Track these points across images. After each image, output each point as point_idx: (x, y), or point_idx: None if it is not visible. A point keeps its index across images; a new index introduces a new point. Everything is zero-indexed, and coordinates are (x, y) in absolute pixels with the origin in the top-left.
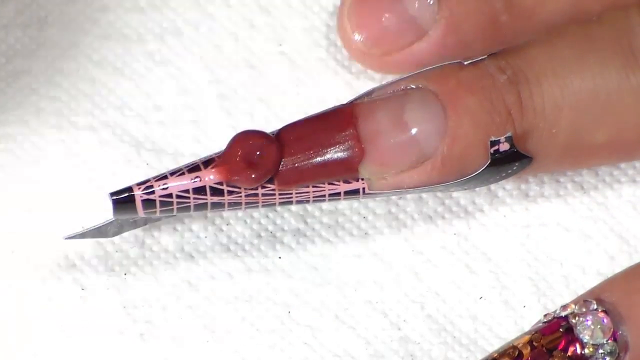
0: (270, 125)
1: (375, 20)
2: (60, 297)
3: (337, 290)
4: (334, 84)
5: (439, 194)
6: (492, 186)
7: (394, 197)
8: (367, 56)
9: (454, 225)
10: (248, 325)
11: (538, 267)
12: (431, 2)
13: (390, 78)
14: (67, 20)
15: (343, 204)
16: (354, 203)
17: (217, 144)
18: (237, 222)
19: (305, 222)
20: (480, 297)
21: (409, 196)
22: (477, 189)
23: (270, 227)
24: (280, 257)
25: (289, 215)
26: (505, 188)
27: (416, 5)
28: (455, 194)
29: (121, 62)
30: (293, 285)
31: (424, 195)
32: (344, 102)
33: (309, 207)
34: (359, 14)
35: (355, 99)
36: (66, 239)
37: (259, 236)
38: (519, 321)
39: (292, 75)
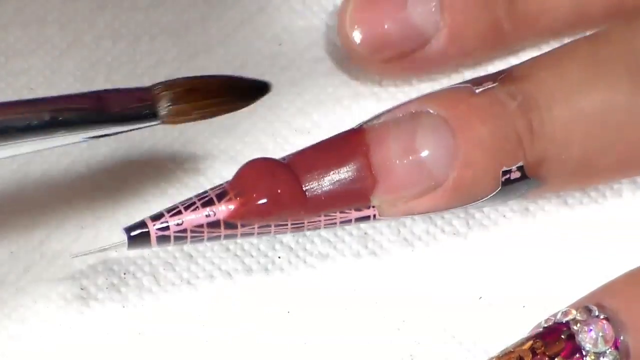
0: (270, 125)
1: (377, 27)
2: (59, 296)
3: (336, 290)
4: (334, 84)
5: None
6: None
7: None
8: (368, 62)
9: (453, 225)
10: (247, 324)
11: (538, 267)
12: (434, 10)
13: (390, 79)
14: (66, 19)
15: None
16: None
17: (215, 145)
18: None
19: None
20: (480, 297)
21: None
22: None
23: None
24: (279, 257)
25: None
26: None
27: (419, 13)
28: None
29: (118, 62)
30: (292, 285)
31: None
32: (344, 101)
33: None
34: (361, 20)
35: (365, 123)
36: (73, 257)
37: None
38: (519, 321)
39: (291, 76)
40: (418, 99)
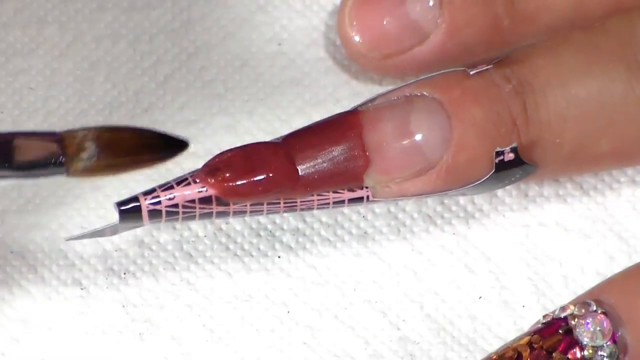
0: (270, 125)
1: (376, 23)
2: (59, 296)
3: (336, 290)
4: (333, 84)
5: None
6: None
7: None
8: (367, 59)
9: (453, 224)
10: (247, 324)
11: (537, 266)
12: (432, 6)
13: (390, 79)
14: (66, 19)
15: None
16: None
17: (216, 144)
18: (236, 221)
19: (304, 221)
20: (480, 297)
21: None
22: None
23: (269, 226)
24: (279, 256)
25: (288, 213)
26: (505, 188)
27: (417, 9)
28: None
29: (118, 62)
30: (292, 285)
31: None
32: (343, 101)
33: None
34: (360, 17)
35: (360, 106)
36: (67, 240)
37: (258, 235)
38: (518, 321)
39: (291, 75)
40: (413, 82)
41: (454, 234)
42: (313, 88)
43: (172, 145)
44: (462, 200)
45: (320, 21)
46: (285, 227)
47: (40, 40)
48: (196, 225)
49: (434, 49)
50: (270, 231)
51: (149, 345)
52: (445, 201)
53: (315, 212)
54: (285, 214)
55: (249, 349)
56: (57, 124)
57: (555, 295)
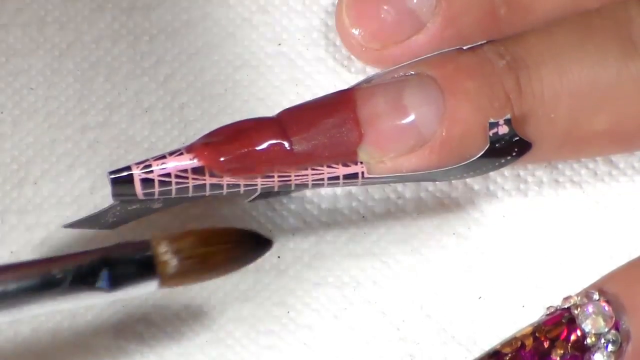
0: None
1: (373, 14)
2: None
3: (336, 290)
4: (333, 84)
5: (438, 194)
6: (491, 186)
7: (392, 196)
8: (365, 50)
9: (453, 225)
10: (247, 325)
11: (537, 267)
12: None
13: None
14: (66, 20)
15: (342, 203)
16: (353, 202)
17: None
18: (236, 221)
19: (304, 221)
20: (479, 297)
21: (408, 195)
22: (477, 187)
23: (269, 226)
24: (278, 257)
25: (287, 214)
26: (505, 188)
27: None
28: (454, 194)
29: (118, 62)
30: (292, 285)
31: (422, 194)
32: None
33: (307, 205)
34: (357, 8)
35: (355, 85)
36: (64, 227)
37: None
38: (518, 321)
39: (291, 75)
40: (408, 63)
41: (453, 234)
42: (313, 88)
43: (258, 243)
44: (462, 200)
45: (320, 21)
46: (284, 226)
47: (40, 41)
48: (196, 224)
49: (431, 38)
50: (270, 230)
51: (148, 346)
52: (445, 201)
53: (315, 212)
54: (284, 212)
55: (249, 349)
56: (57, 124)
57: (555, 295)
